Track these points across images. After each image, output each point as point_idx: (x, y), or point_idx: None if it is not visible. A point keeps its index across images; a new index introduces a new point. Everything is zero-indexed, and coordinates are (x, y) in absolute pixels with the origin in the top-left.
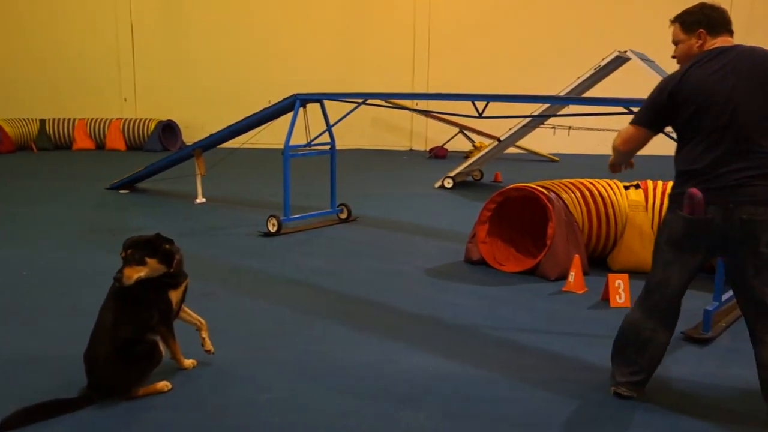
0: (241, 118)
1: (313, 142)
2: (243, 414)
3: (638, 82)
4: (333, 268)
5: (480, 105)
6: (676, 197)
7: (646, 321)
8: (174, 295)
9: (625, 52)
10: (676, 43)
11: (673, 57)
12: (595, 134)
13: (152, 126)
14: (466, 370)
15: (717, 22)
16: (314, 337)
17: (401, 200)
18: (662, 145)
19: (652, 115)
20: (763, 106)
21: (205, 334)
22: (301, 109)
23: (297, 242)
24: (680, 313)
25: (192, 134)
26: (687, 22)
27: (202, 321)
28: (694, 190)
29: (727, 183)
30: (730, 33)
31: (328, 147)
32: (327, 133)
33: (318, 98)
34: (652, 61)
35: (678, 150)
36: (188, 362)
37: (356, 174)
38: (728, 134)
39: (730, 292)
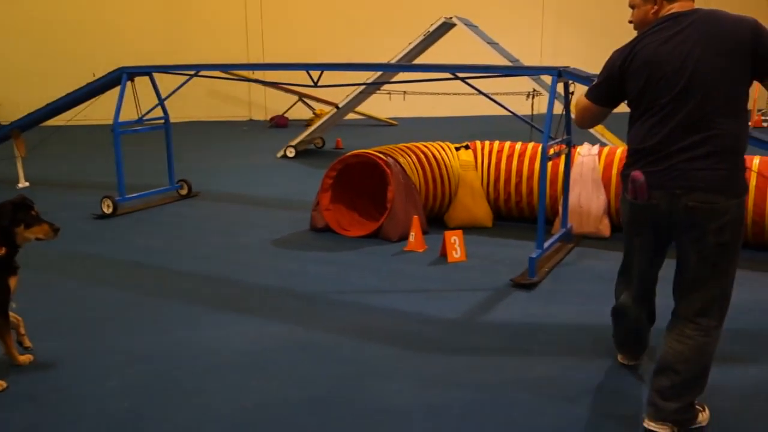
0: (62, 94)
1: (144, 117)
2: (88, 404)
3: (465, 48)
4: (175, 247)
5: (316, 74)
6: (623, 178)
7: (623, 300)
8: (13, 282)
9: (451, 18)
10: (632, 7)
11: (630, 22)
12: (429, 98)
13: None
14: (315, 335)
15: None
16: (157, 320)
17: (243, 172)
18: (490, 106)
19: (604, 90)
20: (723, 77)
21: (23, 331)
22: (130, 82)
23: (135, 222)
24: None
25: (5, 113)
26: None
27: (19, 318)
28: (637, 174)
29: (675, 164)
30: None
31: (162, 122)
32: (159, 107)
33: (147, 71)
34: (476, 26)
35: (629, 126)
36: (23, 358)
37: (195, 148)
38: (681, 108)
39: (551, 240)
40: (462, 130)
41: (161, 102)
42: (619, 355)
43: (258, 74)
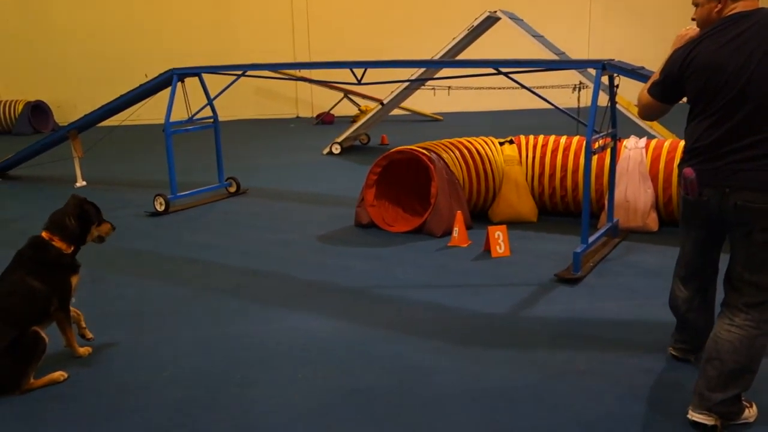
0: (116, 95)
1: (194, 117)
2: (143, 394)
3: (509, 41)
4: (224, 243)
5: (360, 71)
6: (679, 174)
7: (677, 286)
8: (75, 280)
9: (495, 12)
10: (695, 5)
11: (693, 19)
12: (474, 92)
13: (20, 108)
14: (360, 329)
15: None
16: (208, 313)
17: (290, 169)
18: (535, 99)
19: (663, 88)
20: None
21: (84, 324)
22: (180, 83)
23: (186, 220)
24: (709, 283)
25: (64, 115)
26: None
27: (79, 312)
28: (689, 171)
29: (725, 164)
30: None
31: (210, 121)
32: (208, 106)
33: (195, 72)
34: (521, 20)
35: (687, 123)
36: (83, 350)
37: (243, 146)
38: (737, 111)
39: (596, 234)
40: (507, 124)
41: (210, 102)
42: (671, 347)
43: (304, 72)
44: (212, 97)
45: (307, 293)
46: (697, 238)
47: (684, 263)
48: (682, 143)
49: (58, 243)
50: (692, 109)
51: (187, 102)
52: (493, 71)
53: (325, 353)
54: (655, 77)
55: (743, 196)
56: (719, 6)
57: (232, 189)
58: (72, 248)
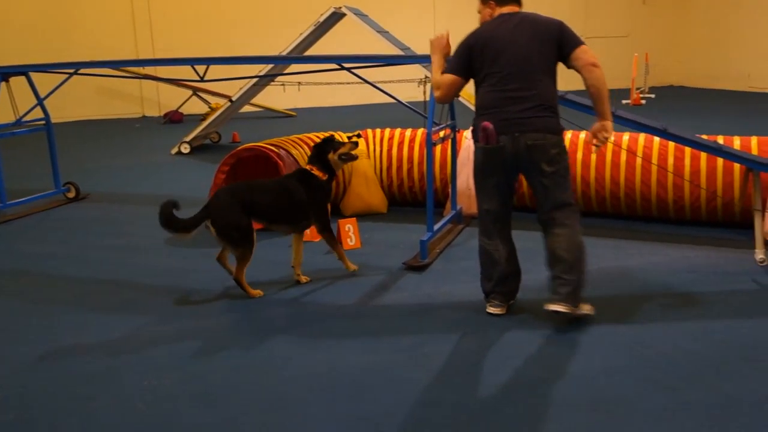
0: None
1: (23, 119)
2: None
3: (361, 37)
4: (62, 252)
5: (202, 68)
6: (474, 132)
7: (483, 240)
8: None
9: (340, 8)
10: (479, 11)
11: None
12: (325, 87)
13: None
14: (210, 331)
15: None
16: (46, 327)
17: (137, 171)
18: (381, 93)
19: (456, 62)
20: (539, 56)
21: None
22: (4, 83)
23: (19, 229)
24: (508, 228)
25: None
26: None
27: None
28: (487, 123)
29: (513, 117)
30: (517, 3)
31: (42, 123)
32: (39, 107)
33: (22, 70)
34: (366, 15)
35: (476, 93)
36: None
37: (84, 148)
38: (512, 75)
39: (441, 222)
40: (359, 118)
41: (40, 102)
42: (489, 305)
43: (147, 70)
44: (42, 97)
45: (155, 299)
46: (497, 185)
47: (491, 219)
48: None
49: (316, 172)
50: (479, 78)
51: (13, 103)
52: (337, 67)
53: (173, 359)
54: (442, 67)
55: (531, 137)
56: (491, 11)
57: (71, 194)
58: (326, 176)
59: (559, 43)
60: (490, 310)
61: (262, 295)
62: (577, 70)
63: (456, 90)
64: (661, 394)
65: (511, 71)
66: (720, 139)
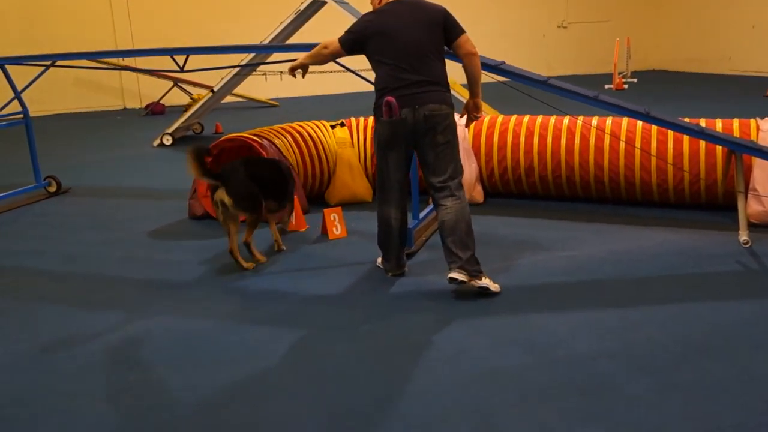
0: None
1: (0, 113)
2: None
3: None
4: (42, 247)
5: (182, 58)
6: (378, 109)
7: (387, 210)
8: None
9: None
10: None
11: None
12: (309, 76)
13: None
14: (194, 324)
15: None
16: (28, 324)
17: (117, 164)
18: (361, 83)
19: (352, 44)
20: (428, 41)
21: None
22: None
23: (0, 224)
24: (408, 196)
25: None
26: None
27: None
28: (390, 98)
29: (411, 93)
30: None
31: (21, 116)
32: (16, 100)
33: None
34: (347, 3)
35: (376, 74)
36: None
37: (65, 142)
38: (406, 59)
39: (427, 209)
40: (343, 107)
41: (17, 95)
42: (388, 269)
43: (127, 61)
44: (19, 90)
45: (138, 292)
46: (398, 157)
47: (389, 187)
48: (501, 118)
49: None
50: (374, 61)
51: None
52: None
53: (157, 353)
54: (340, 37)
55: (428, 108)
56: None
57: (52, 189)
58: None
59: (444, 29)
60: (390, 273)
61: (263, 261)
62: (459, 56)
63: (332, 59)
64: (648, 377)
65: (404, 56)
66: (702, 122)
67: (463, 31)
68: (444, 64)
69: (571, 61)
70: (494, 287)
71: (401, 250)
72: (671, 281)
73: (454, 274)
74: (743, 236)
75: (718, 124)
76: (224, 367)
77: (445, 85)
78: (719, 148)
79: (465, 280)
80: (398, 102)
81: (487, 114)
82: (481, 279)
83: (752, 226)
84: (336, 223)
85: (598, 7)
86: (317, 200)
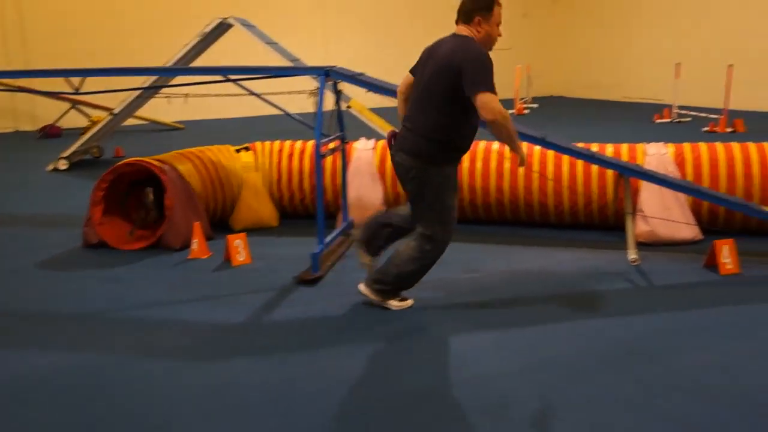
0: None
1: None
2: None
3: (252, 48)
4: None
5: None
6: None
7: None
8: None
9: (227, 18)
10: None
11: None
12: (215, 99)
13: None
14: (91, 360)
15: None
16: None
17: (8, 190)
18: (266, 107)
19: (412, 68)
20: (433, 82)
21: None
22: None
23: None
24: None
25: None
26: None
27: None
28: (391, 131)
29: (401, 132)
30: (462, 22)
31: None
32: None
33: None
34: (254, 26)
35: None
36: None
37: None
38: (414, 96)
39: (333, 234)
40: (249, 130)
41: None
42: (362, 253)
43: (24, 81)
44: None
45: (30, 326)
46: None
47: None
48: None
49: None
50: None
51: None
52: (222, 78)
53: (56, 390)
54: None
55: (398, 156)
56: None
57: None
58: None
59: (456, 82)
60: (362, 259)
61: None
62: None
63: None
64: (548, 394)
65: (415, 93)
66: (595, 147)
67: (478, 91)
68: (448, 115)
69: None
70: (395, 306)
71: (374, 244)
72: (568, 299)
73: (360, 286)
74: (632, 255)
75: (609, 149)
76: (124, 401)
77: (432, 137)
78: (610, 172)
79: (366, 296)
80: (394, 137)
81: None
82: (385, 301)
83: (640, 245)
84: (240, 249)
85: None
86: (222, 226)
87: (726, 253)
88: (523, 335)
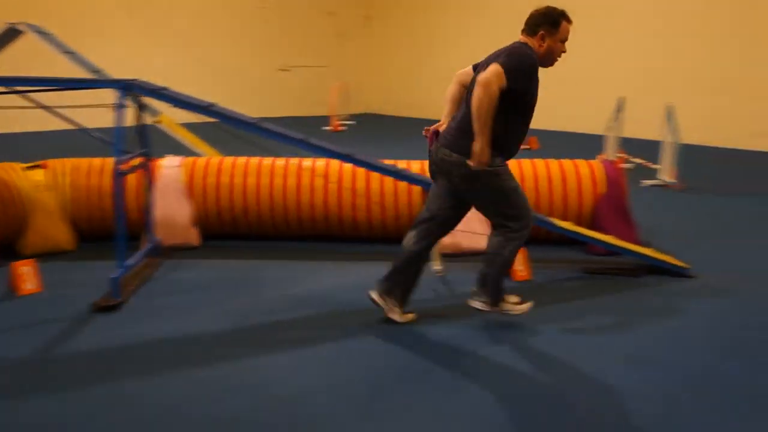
0: None
1: None
2: None
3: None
4: None
5: None
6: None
7: (408, 234)
8: None
9: (18, 23)
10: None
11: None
12: (10, 111)
13: None
14: None
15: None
16: None
17: None
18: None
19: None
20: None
21: None
22: None
23: None
24: (440, 230)
25: None
26: None
27: None
28: (431, 128)
29: (445, 130)
30: (526, 33)
31: None
32: None
33: None
34: (50, 34)
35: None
36: None
37: None
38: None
39: (136, 256)
40: (43, 146)
41: None
42: (392, 305)
43: None
44: None
45: None
46: (435, 186)
47: (421, 212)
48: (218, 159)
49: None
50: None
51: None
52: (5, 90)
53: None
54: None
55: (441, 152)
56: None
57: None
58: None
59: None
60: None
61: None
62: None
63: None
64: (356, 408)
65: (468, 93)
66: (402, 164)
67: (497, 62)
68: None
69: (292, 103)
70: (517, 309)
71: (407, 284)
72: (376, 313)
73: (474, 303)
74: (436, 266)
75: (415, 165)
76: None
77: (471, 134)
78: (416, 187)
79: (485, 309)
80: (436, 134)
81: (206, 154)
82: (501, 305)
83: (445, 256)
84: (28, 277)
85: (318, 52)
86: (7, 253)
87: (519, 261)
88: (340, 349)
